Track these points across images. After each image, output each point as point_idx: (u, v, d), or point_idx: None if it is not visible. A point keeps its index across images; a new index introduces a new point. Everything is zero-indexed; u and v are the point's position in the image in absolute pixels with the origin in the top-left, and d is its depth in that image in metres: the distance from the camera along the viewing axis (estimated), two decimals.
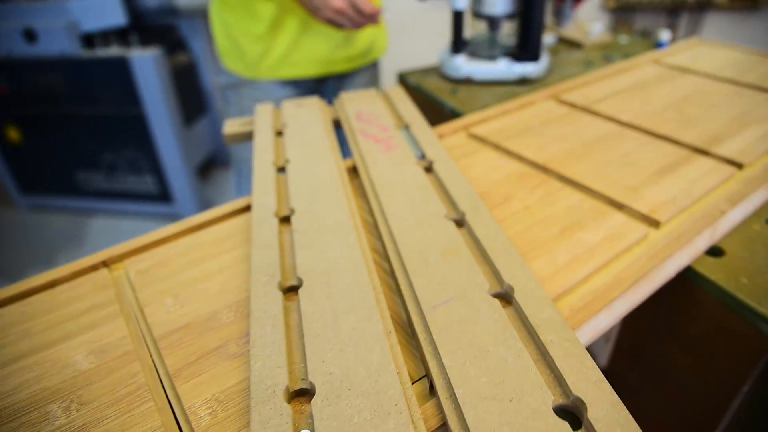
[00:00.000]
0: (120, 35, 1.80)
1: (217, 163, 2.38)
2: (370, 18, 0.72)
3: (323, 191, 0.45)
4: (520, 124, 0.61)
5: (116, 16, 1.78)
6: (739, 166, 0.51)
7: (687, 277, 0.44)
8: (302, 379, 0.28)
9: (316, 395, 0.27)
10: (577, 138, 0.57)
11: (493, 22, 0.85)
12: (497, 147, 0.56)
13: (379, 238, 0.41)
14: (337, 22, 0.72)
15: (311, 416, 0.26)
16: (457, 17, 0.86)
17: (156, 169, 1.90)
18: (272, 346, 0.30)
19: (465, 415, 0.25)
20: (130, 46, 1.73)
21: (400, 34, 2.49)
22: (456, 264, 0.36)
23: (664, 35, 0.92)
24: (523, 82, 0.84)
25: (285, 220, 0.42)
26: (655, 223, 0.43)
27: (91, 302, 0.37)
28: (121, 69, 1.69)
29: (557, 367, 0.28)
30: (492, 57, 0.85)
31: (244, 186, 0.94)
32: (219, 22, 0.87)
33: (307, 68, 0.86)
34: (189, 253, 0.41)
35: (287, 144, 0.54)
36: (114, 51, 1.71)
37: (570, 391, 0.27)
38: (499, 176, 0.51)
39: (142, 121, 1.79)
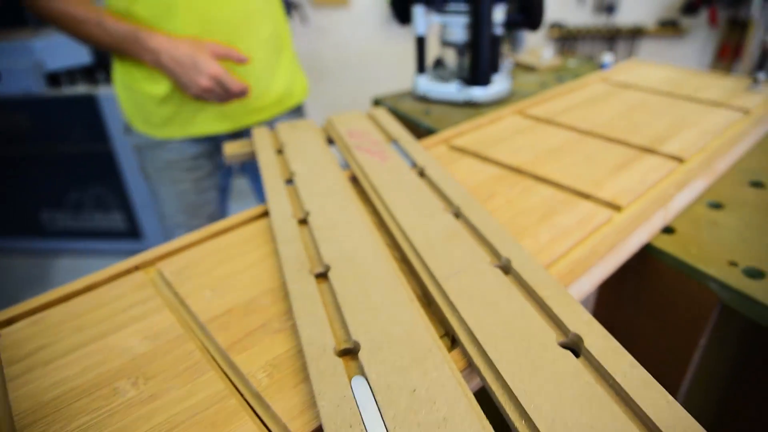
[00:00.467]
0: (86, 73, 1.81)
1: None
2: (238, 95, 0.77)
3: (332, 196, 0.51)
4: (494, 136, 0.69)
5: (81, 55, 1.79)
6: (680, 160, 0.60)
7: (647, 253, 0.51)
8: (346, 341, 0.33)
9: (361, 349, 0.32)
10: (544, 145, 0.65)
11: (458, 49, 0.94)
12: (476, 155, 0.64)
13: (387, 232, 0.47)
14: (205, 98, 0.76)
15: (360, 367, 0.31)
16: (420, 42, 0.95)
17: (125, 205, 1.89)
18: (315, 316, 0.35)
19: (488, 354, 0.31)
20: (97, 84, 1.75)
21: (377, 62, 2.60)
22: (459, 245, 0.42)
23: (607, 57, 1.04)
24: (471, 104, 0.92)
25: (302, 222, 0.47)
26: (617, 208, 0.50)
27: (134, 299, 0.40)
28: (89, 107, 1.70)
29: (555, 314, 0.34)
30: (447, 79, 0.94)
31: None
32: (122, 87, 0.86)
33: (216, 124, 0.85)
34: (217, 254, 0.45)
35: (290, 159, 0.59)
36: (80, 89, 1.72)
37: (568, 329, 0.33)
38: (482, 178, 0.58)
39: (110, 158, 1.79)
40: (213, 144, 0.90)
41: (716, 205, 0.58)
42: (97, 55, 1.83)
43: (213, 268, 0.44)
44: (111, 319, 0.38)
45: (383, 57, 2.57)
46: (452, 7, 0.88)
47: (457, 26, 0.90)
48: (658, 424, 0.26)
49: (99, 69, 1.79)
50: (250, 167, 1.01)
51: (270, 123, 0.93)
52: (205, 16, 0.78)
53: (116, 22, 0.74)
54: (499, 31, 0.89)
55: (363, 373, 0.30)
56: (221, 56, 0.77)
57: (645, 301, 0.54)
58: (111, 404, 0.31)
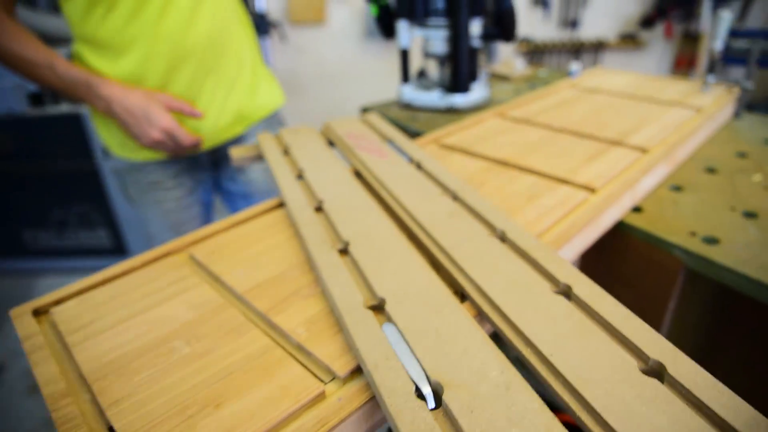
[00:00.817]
0: None
1: None
2: (189, 148, 0.78)
3: (341, 187, 0.56)
4: (479, 135, 0.76)
5: None
6: (644, 151, 0.68)
7: (620, 229, 0.59)
8: (372, 298, 0.39)
9: (387, 303, 0.37)
10: (524, 141, 0.72)
11: (439, 60, 1.02)
12: (464, 151, 0.70)
13: (394, 215, 0.53)
14: (156, 149, 0.77)
15: (388, 317, 0.36)
16: (404, 54, 1.02)
17: (110, 222, 1.89)
18: (343, 280, 0.40)
19: (495, 302, 0.37)
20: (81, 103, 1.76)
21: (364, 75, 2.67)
22: (460, 222, 0.48)
23: (575, 66, 1.13)
24: (452, 110, 0.99)
25: (317, 210, 0.53)
26: (592, 190, 0.57)
27: (172, 278, 0.45)
28: (74, 125, 1.72)
29: (547, 270, 0.40)
30: (429, 88, 1.01)
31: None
32: (96, 114, 0.84)
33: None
34: (241, 240, 0.50)
35: (297, 159, 0.64)
36: (64, 108, 1.74)
37: (559, 281, 0.39)
38: (472, 170, 0.64)
39: (94, 175, 1.80)
40: (192, 160, 0.90)
41: (677, 188, 0.66)
42: None
43: (240, 250, 0.48)
44: (154, 295, 0.43)
45: (359, 73, 2.66)
46: (433, 21, 0.96)
47: (438, 39, 0.97)
48: (639, 346, 0.32)
49: None
50: (225, 185, 0.99)
51: (248, 134, 0.92)
52: (172, 44, 0.77)
53: (68, 67, 0.72)
54: (476, 43, 0.97)
55: (391, 321, 0.36)
56: (174, 109, 0.76)
57: (620, 271, 0.61)
58: (169, 360, 0.36)
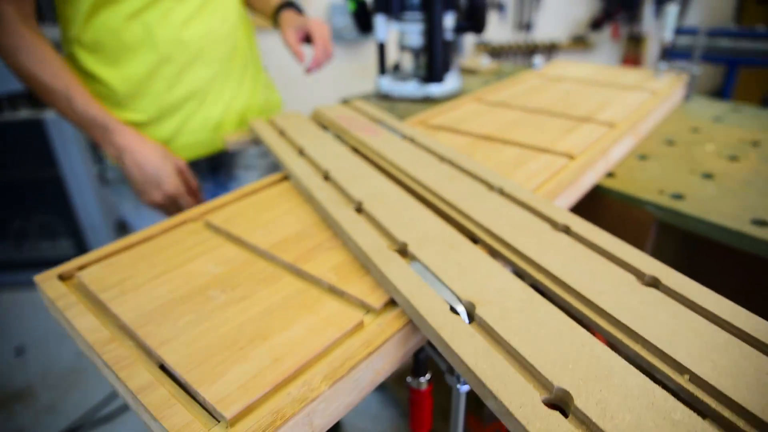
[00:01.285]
0: (29, 98, 1.76)
1: None
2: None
3: (342, 160, 0.59)
4: (460, 117, 0.81)
5: None
6: (611, 125, 0.74)
7: (597, 192, 0.64)
8: (394, 243, 0.42)
9: (409, 245, 0.41)
10: (503, 120, 0.78)
11: (414, 53, 1.07)
12: (450, 129, 0.75)
13: (398, 182, 0.56)
14: (152, 208, 0.73)
15: (412, 257, 0.40)
16: (381, 47, 1.07)
17: (74, 231, 1.83)
18: (364, 230, 0.43)
19: (506, 240, 0.41)
20: (44, 108, 1.71)
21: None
22: (460, 182, 0.52)
23: (537, 60, 1.21)
24: (429, 99, 1.04)
25: (325, 178, 0.56)
26: (571, 157, 0.63)
27: (194, 240, 0.47)
28: (36, 131, 1.66)
29: (546, 214, 0.45)
30: (406, 79, 1.06)
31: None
32: None
33: (191, 151, 0.80)
34: (254, 208, 0.52)
35: (294, 138, 0.67)
36: (23, 114, 1.68)
37: (557, 222, 0.43)
38: (460, 145, 0.69)
39: (58, 183, 1.74)
40: (192, 167, 0.83)
41: (642, 157, 0.73)
42: None
43: (255, 216, 0.51)
44: (180, 256, 0.44)
45: (323, 77, 2.68)
46: (409, 16, 1.01)
47: (414, 32, 1.02)
48: (635, 265, 0.37)
49: None
50: (221, 193, 0.93)
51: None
52: (179, 44, 0.73)
53: (87, 103, 0.67)
54: (449, 36, 1.02)
55: (416, 260, 0.39)
56: (183, 175, 0.73)
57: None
58: (209, 306, 0.38)
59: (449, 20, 1.00)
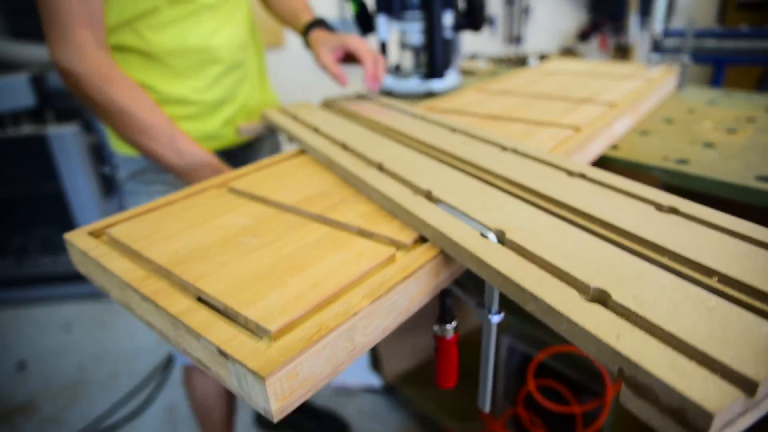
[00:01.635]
0: (32, 115, 1.78)
1: None
2: None
3: (357, 134, 0.61)
4: (465, 104, 0.83)
5: (25, 98, 1.77)
6: (612, 105, 0.77)
7: (602, 163, 0.66)
8: (419, 191, 0.43)
9: (433, 191, 0.42)
10: (507, 104, 0.80)
11: (415, 51, 1.10)
12: (456, 112, 0.77)
13: (412, 148, 0.58)
14: None
15: (437, 200, 0.41)
16: (383, 47, 1.10)
17: None
18: (388, 181, 0.44)
19: (524, 184, 0.42)
20: (45, 124, 1.73)
21: None
22: (475, 146, 0.54)
23: (532, 59, 1.25)
24: (431, 95, 1.07)
25: (343, 147, 0.57)
26: (577, 129, 0.65)
27: (217, 202, 0.48)
28: (38, 147, 1.67)
29: (561, 166, 0.46)
30: (407, 76, 1.09)
31: None
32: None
33: (205, 145, 0.75)
34: (274, 176, 0.54)
35: (308, 120, 0.69)
36: (26, 130, 1.69)
37: (572, 171, 0.45)
38: (468, 123, 0.71)
39: (59, 198, 1.75)
40: None
41: (643, 132, 0.75)
42: (42, 97, 1.81)
43: (278, 182, 0.52)
44: (206, 214, 0.45)
45: (315, 94, 2.73)
46: (409, 15, 1.04)
47: (414, 31, 1.05)
48: (652, 198, 0.39)
49: (47, 109, 1.77)
50: None
51: (253, 142, 0.88)
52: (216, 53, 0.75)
53: (190, 143, 0.65)
54: (448, 33, 1.06)
55: (442, 202, 0.41)
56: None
57: None
58: (241, 248, 0.39)
59: (448, 18, 1.03)
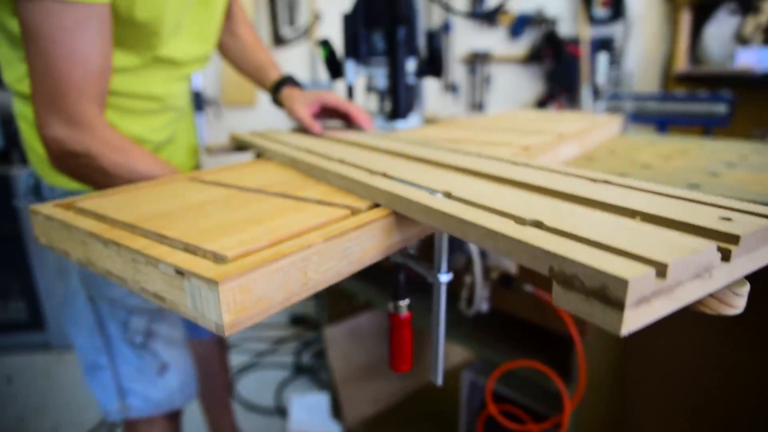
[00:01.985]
0: None
1: None
2: None
3: (324, 144, 0.64)
4: (425, 134, 0.89)
5: None
6: (560, 136, 0.84)
7: None
8: (375, 173, 0.46)
9: (387, 172, 0.45)
10: (462, 135, 0.86)
11: (380, 94, 1.18)
12: (419, 140, 0.82)
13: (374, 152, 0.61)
14: None
15: (391, 178, 0.44)
16: (350, 90, 1.17)
17: (28, 292, 1.75)
18: (347, 168, 0.47)
19: (472, 167, 0.46)
20: (11, 165, 1.71)
21: None
22: (430, 150, 0.58)
23: (488, 111, 1.35)
24: None
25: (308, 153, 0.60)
26: (526, 149, 0.70)
27: (186, 186, 0.49)
28: (1, 187, 1.65)
29: (506, 159, 0.50)
30: (373, 117, 1.16)
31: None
32: (32, 132, 0.70)
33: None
34: (238, 173, 0.56)
35: (279, 138, 0.72)
36: None
37: (516, 162, 0.49)
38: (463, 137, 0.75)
39: (16, 242, 1.70)
40: None
41: (589, 159, 0.81)
42: (7, 138, 1.80)
43: (244, 175, 0.54)
44: (174, 193, 0.47)
45: (287, 121, 2.80)
46: (375, 61, 1.13)
47: (380, 76, 1.14)
48: (568, 172, 0.43)
49: (13, 150, 1.76)
50: None
51: None
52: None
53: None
54: (411, 80, 1.14)
55: (395, 179, 0.43)
56: None
57: None
58: (205, 212, 0.40)
59: (411, 65, 1.12)
